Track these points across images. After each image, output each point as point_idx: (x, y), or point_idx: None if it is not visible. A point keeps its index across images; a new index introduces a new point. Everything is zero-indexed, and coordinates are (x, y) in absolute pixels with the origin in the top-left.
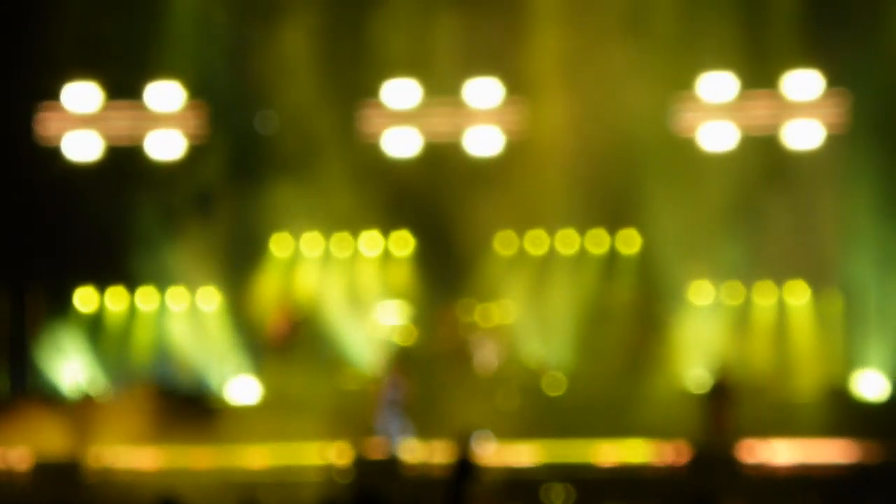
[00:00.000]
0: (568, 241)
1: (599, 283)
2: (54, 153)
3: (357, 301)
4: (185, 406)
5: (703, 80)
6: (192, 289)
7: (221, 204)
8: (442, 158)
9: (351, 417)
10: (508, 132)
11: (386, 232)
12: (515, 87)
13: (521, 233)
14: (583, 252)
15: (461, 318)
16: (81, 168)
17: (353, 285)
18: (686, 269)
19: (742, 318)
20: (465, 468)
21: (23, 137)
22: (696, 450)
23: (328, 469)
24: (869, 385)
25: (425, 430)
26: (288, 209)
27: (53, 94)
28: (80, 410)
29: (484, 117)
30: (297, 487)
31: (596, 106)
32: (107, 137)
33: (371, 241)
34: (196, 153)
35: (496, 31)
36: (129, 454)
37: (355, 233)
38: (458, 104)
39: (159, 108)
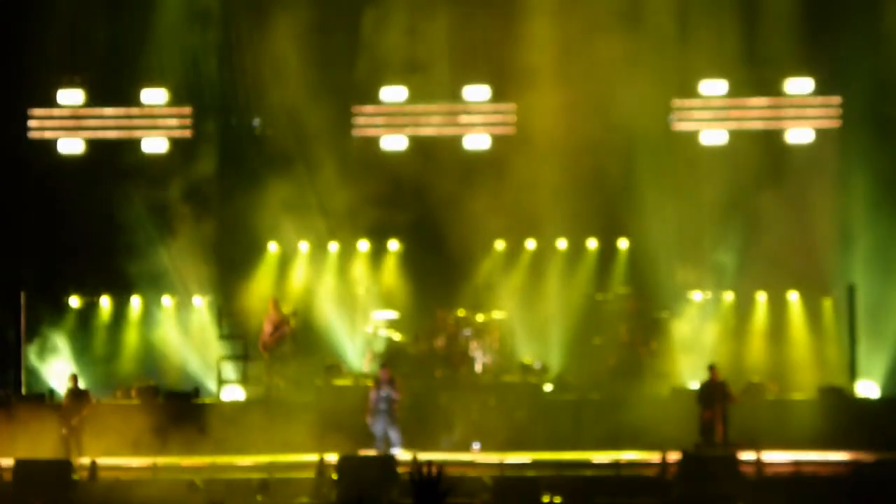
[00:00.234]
0: (562, 243)
1: (593, 285)
2: (45, 154)
3: (350, 303)
4: (175, 407)
5: (699, 81)
6: (183, 290)
7: (212, 205)
8: (435, 159)
9: (344, 417)
10: (501, 133)
11: (379, 233)
12: (508, 88)
13: (515, 235)
14: (577, 254)
15: (454, 320)
16: (72, 170)
17: (346, 287)
18: (681, 272)
19: (737, 321)
20: (430, 490)
21: (13, 138)
22: (689, 453)
23: (321, 468)
24: (864, 388)
25: (418, 431)
26: (280, 211)
27: (45, 96)
28: (71, 412)
29: (477, 118)
30: (290, 486)
31: (590, 106)
32: (96, 138)
33: (364, 243)
34: (186, 154)
35: (490, 32)
36: (119, 456)
37: (348, 234)
38: (453, 104)
39: (150, 108)
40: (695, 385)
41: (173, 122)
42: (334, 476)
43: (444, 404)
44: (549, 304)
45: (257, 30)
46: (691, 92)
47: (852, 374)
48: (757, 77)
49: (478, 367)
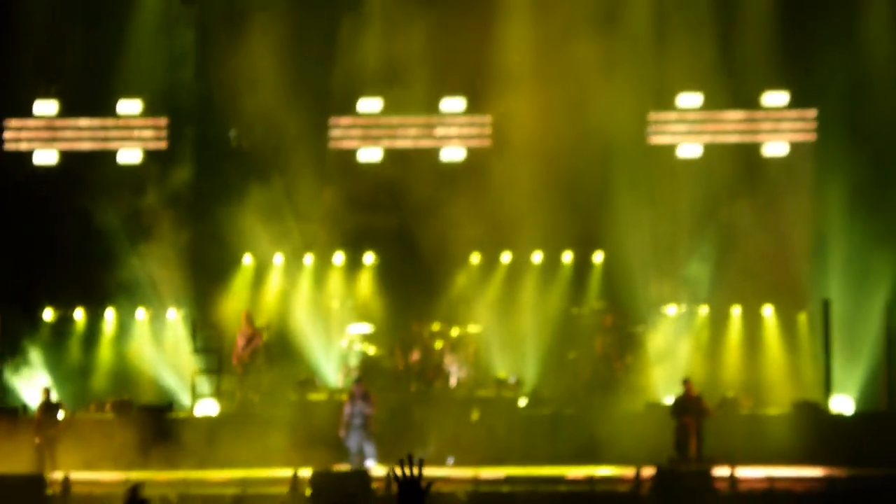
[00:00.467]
0: (537, 257)
1: (568, 299)
2: (20, 165)
3: (325, 316)
4: (150, 421)
5: (675, 94)
6: (158, 303)
7: (187, 217)
8: (411, 171)
9: (318, 432)
10: (477, 145)
11: (354, 246)
12: (484, 100)
13: (490, 248)
14: (552, 267)
15: (429, 334)
16: (47, 181)
17: (321, 300)
18: (655, 286)
19: (712, 336)
20: (412, 493)
21: None
22: (664, 468)
23: (295, 483)
24: (839, 403)
25: (393, 446)
26: (255, 223)
27: (20, 107)
28: (44, 426)
29: (453, 130)
30: (264, 501)
31: (567, 119)
32: (72, 149)
33: (340, 256)
34: (162, 165)
35: (466, 44)
36: (93, 470)
37: (324, 247)
38: (429, 116)
39: (126, 119)
40: (669, 400)
41: (149, 133)
42: (308, 491)
43: (419, 419)
44: (524, 318)
45: (234, 41)
46: (667, 105)
47: (827, 389)
48: (733, 90)
49: (453, 382)
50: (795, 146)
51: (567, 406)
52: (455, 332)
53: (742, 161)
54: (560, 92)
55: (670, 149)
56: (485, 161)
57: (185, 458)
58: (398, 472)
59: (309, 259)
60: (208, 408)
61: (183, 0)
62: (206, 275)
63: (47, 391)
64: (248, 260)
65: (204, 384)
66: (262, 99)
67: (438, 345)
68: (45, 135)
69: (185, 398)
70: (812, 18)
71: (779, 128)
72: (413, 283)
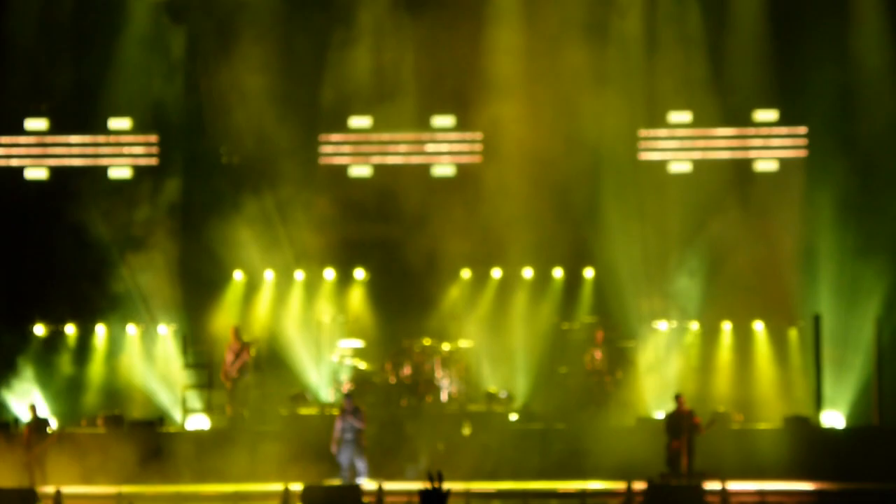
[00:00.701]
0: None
1: (558, 314)
2: (11, 181)
3: (316, 331)
4: (141, 436)
5: (666, 111)
6: (148, 319)
7: (178, 233)
8: (401, 187)
9: (309, 447)
10: (467, 161)
11: (345, 262)
12: (475, 117)
13: (481, 263)
14: (543, 283)
15: (420, 349)
16: (37, 197)
17: (311, 316)
18: (646, 301)
19: (702, 351)
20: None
21: None
22: (655, 483)
23: (285, 498)
24: (829, 418)
25: (384, 461)
26: (245, 239)
27: (11, 124)
28: (32, 442)
29: (443, 146)
30: None
31: (557, 135)
32: (62, 165)
33: (330, 272)
34: (152, 182)
35: (457, 60)
36: (84, 485)
37: (314, 263)
38: (419, 133)
39: (116, 136)
40: (660, 415)
41: (139, 149)
42: None
43: (410, 434)
44: (515, 333)
45: (223, 58)
46: (658, 122)
47: (818, 404)
48: (723, 107)
49: (444, 397)
50: (786, 162)
51: (558, 421)
52: (446, 347)
53: (732, 176)
54: (551, 109)
55: (661, 165)
56: (475, 177)
57: (177, 473)
58: (426, 484)
59: (300, 274)
60: (199, 422)
61: (172, 17)
62: (196, 290)
63: (34, 408)
64: (238, 275)
65: (195, 399)
66: (252, 115)
67: (429, 360)
68: (35, 151)
69: (176, 413)
70: (801, 37)
71: (769, 144)
72: (404, 299)
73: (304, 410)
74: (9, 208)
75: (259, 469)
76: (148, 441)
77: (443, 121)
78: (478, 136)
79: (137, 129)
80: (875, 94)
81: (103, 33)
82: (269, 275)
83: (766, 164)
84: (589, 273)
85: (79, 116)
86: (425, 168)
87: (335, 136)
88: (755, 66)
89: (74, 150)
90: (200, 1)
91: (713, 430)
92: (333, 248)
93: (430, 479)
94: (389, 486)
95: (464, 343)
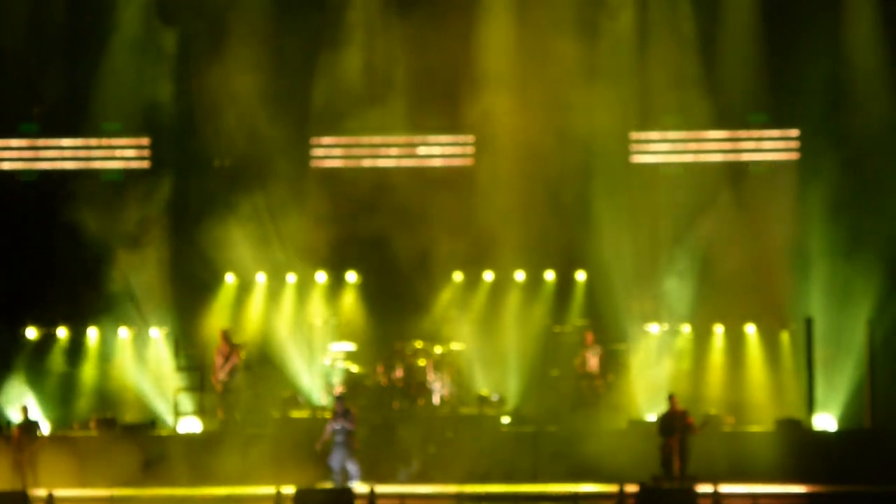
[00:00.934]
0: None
1: (550, 317)
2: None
3: (308, 334)
4: (133, 439)
5: (658, 113)
6: (140, 322)
7: (170, 236)
8: (393, 190)
9: (301, 449)
10: (459, 164)
11: (337, 265)
12: (467, 120)
13: (472, 266)
14: (534, 286)
15: (412, 352)
16: (29, 200)
17: (303, 318)
18: (638, 304)
19: (694, 353)
20: None
21: None
22: (647, 485)
23: (278, 501)
24: (821, 421)
25: (376, 463)
26: (237, 242)
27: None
28: (23, 444)
29: (435, 149)
30: None
31: (549, 138)
32: (54, 168)
33: (322, 274)
34: (144, 185)
35: (448, 64)
36: (76, 488)
37: (306, 266)
38: (411, 136)
39: (108, 139)
40: (652, 417)
41: (131, 152)
42: None
43: (402, 436)
44: (506, 336)
45: (215, 60)
46: (650, 124)
47: (810, 406)
48: (716, 110)
49: (435, 400)
50: (778, 165)
51: (550, 423)
52: (438, 349)
53: (724, 179)
54: (543, 112)
55: (653, 168)
56: (467, 180)
57: (169, 476)
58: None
59: (292, 277)
60: (191, 425)
61: (163, 20)
62: (188, 293)
63: (25, 409)
64: (230, 278)
65: (186, 402)
66: (243, 117)
67: (421, 362)
68: (28, 154)
69: (168, 416)
70: (793, 38)
71: (761, 147)
72: (396, 302)
73: (296, 413)
74: (1, 211)
75: (251, 472)
76: (140, 444)
77: (435, 124)
78: (470, 139)
79: (129, 131)
80: (866, 96)
81: (94, 36)
82: (260, 277)
83: (758, 167)
84: (581, 276)
85: (70, 119)
86: (417, 171)
87: (326, 139)
88: (747, 68)
89: (66, 152)
90: (191, 3)
91: (705, 431)
92: (325, 251)
93: None
94: (381, 488)
95: (456, 346)
